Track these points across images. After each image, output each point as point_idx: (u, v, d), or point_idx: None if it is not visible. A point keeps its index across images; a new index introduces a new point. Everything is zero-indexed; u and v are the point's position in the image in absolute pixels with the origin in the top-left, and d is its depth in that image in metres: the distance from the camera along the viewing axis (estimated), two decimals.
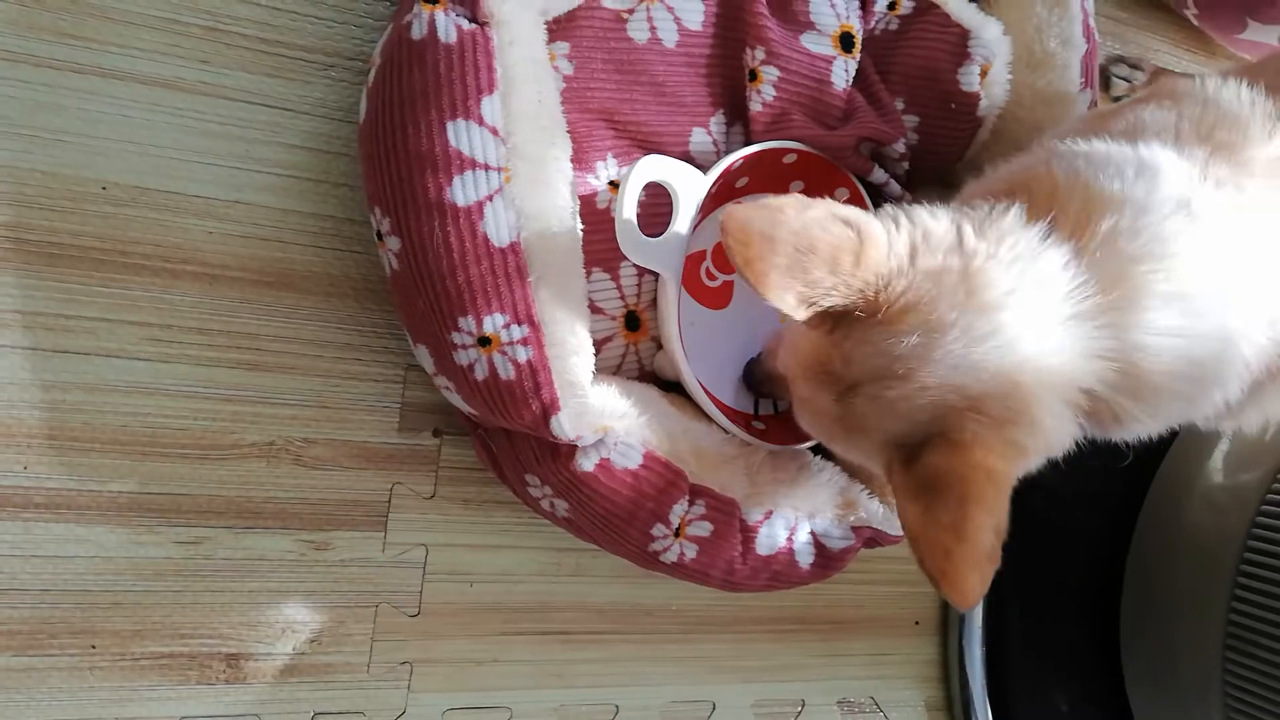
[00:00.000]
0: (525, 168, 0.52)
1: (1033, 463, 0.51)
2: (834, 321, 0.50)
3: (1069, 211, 0.50)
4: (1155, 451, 0.91)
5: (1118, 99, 0.92)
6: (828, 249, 0.46)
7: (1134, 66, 0.91)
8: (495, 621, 0.71)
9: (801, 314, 0.48)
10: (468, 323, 0.52)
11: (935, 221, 0.50)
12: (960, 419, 0.48)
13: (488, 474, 0.68)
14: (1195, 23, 0.93)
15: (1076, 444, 0.53)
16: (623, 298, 0.66)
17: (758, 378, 0.67)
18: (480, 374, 0.54)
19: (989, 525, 0.45)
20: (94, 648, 0.61)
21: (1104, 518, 0.91)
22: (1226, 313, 0.50)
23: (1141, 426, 0.53)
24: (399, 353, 0.68)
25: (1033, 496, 0.86)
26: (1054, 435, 0.50)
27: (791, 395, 0.57)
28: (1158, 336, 0.49)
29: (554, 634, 0.73)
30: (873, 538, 0.66)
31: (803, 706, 0.82)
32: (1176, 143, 0.53)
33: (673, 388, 0.67)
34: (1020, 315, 0.48)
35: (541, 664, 0.73)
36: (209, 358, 0.63)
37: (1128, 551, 0.92)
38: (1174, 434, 0.90)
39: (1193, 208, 0.49)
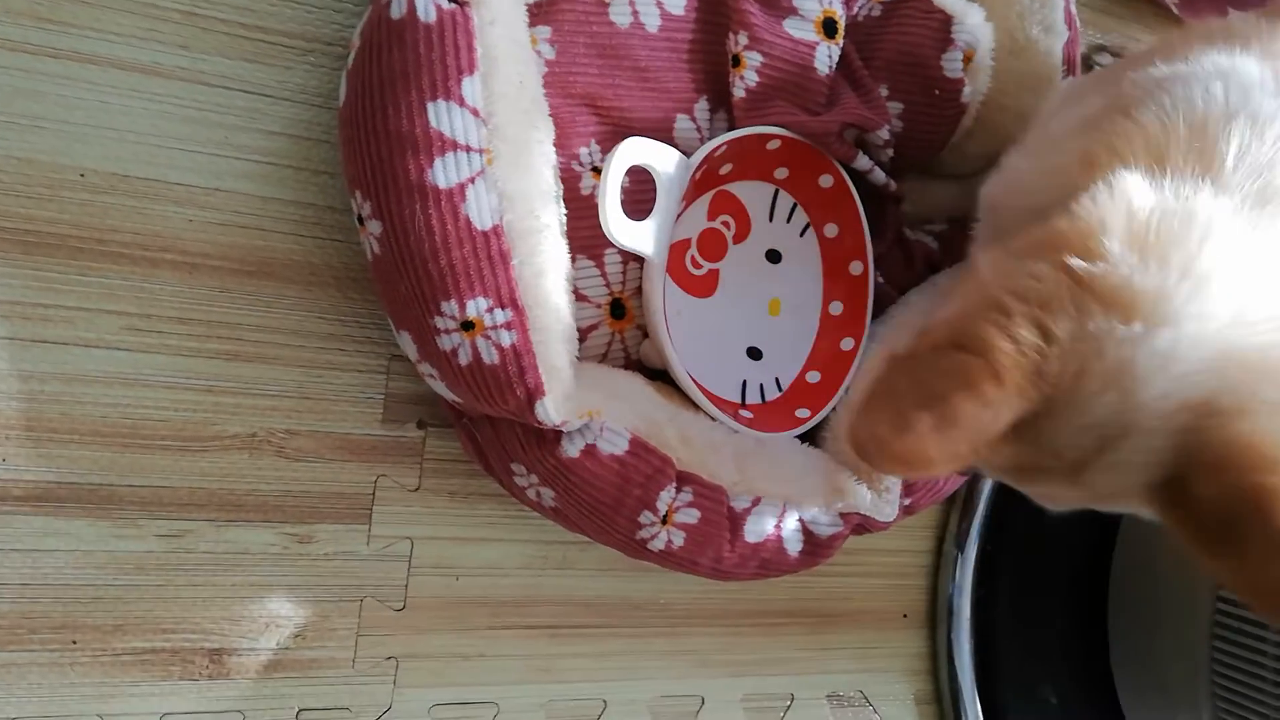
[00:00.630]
0: (507, 150, 0.52)
1: None
2: (1012, 432, 0.43)
3: (1187, 150, 0.44)
4: None
5: None
6: (964, 391, 0.40)
7: (1116, 55, 0.91)
8: (482, 615, 0.71)
9: (977, 460, 0.43)
10: (450, 307, 0.52)
11: (1040, 282, 0.42)
12: (1203, 436, 0.41)
13: (473, 466, 0.67)
14: (1177, 12, 0.93)
15: None
16: (608, 285, 0.66)
17: None
18: (464, 359, 0.53)
19: None
20: (74, 643, 0.60)
21: (1091, 510, 0.91)
22: None
23: None
24: (382, 343, 0.67)
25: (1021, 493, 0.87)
26: None
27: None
28: None
29: (541, 628, 0.73)
30: (861, 524, 0.66)
31: (792, 700, 0.81)
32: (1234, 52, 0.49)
33: (659, 376, 0.67)
34: (1193, 289, 0.41)
35: (528, 659, 0.72)
36: (189, 348, 0.62)
37: (1115, 544, 0.92)
38: None
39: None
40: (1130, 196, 0.43)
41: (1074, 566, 0.91)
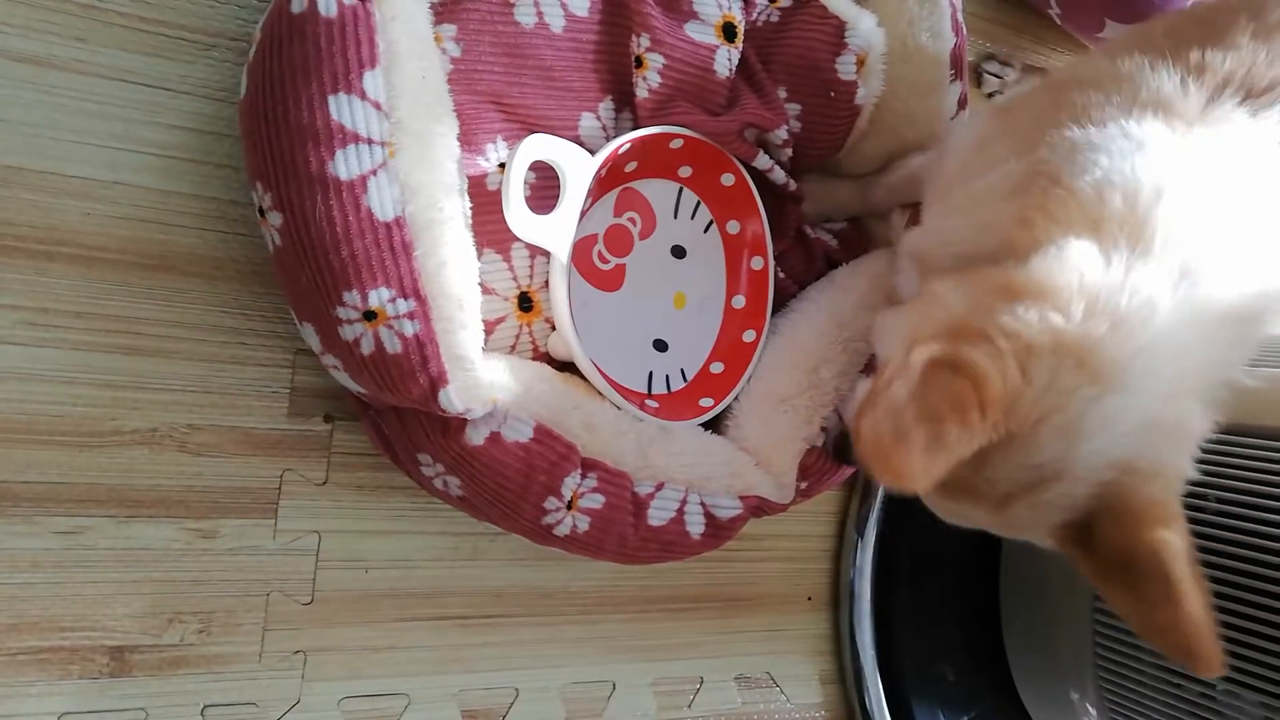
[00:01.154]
0: (410, 143, 0.53)
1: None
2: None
3: (1121, 223, 0.49)
4: None
5: (990, 95, 0.97)
6: (955, 415, 0.44)
7: (1004, 63, 0.96)
8: (391, 608, 0.71)
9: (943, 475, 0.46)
10: (352, 297, 0.53)
11: (1026, 325, 0.46)
12: (1122, 490, 0.48)
13: (381, 458, 0.68)
14: (1059, 22, 0.98)
15: None
16: (515, 279, 0.67)
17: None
18: (366, 348, 0.54)
19: (1191, 574, 0.45)
20: None
21: None
22: (1257, 244, 0.52)
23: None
24: (287, 337, 0.67)
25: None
26: (1203, 430, 0.50)
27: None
28: (1245, 287, 0.50)
29: (451, 619, 0.73)
30: (759, 506, 0.68)
31: (701, 684, 0.83)
32: (1133, 113, 0.53)
33: (568, 368, 0.68)
34: (1145, 364, 0.47)
35: (439, 649, 0.73)
36: (87, 342, 0.61)
37: None
38: None
39: (1187, 162, 0.51)
40: (1082, 267, 0.48)
41: (968, 549, 0.96)
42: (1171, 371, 0.48)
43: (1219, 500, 0.76)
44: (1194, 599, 0.45)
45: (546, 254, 0.67)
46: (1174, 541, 0.46)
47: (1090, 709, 0.86)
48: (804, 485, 0.70)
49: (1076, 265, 0.48)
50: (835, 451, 0.73)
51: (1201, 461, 0.78)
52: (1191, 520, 0.74)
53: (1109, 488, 0.48)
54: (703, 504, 0.66)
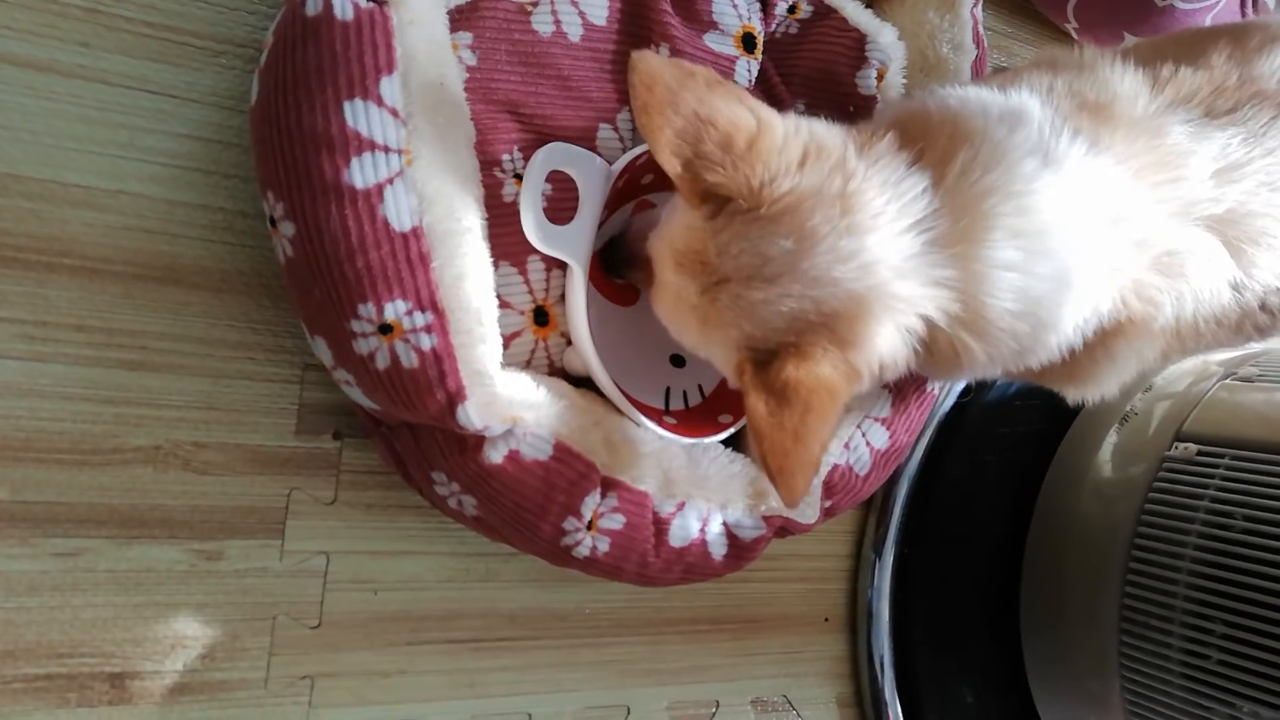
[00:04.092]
0: (427, 151, 0.51)
1: (864, 386, 0.53)
2: (716, 208, 0.51)
3: (936, 143, 0.53)
4: (1048, 446, 0.94)
5: None
6: (726, 124, 0.48)
7: None
8: (402, 631, 0.69)
9: (685, 184, 0.49)
10: (367, 310, 0.51)
11: (828, 136, 0.53)
12: (814, 334, 0.50)
13: (392, 476, 0.66)
14: (1076, 37, 0.97)
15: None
16: (530, 292, 0.65)
17: (620, 257, 0.65)
18: (382, 363, 0.52)
19: (821, 438, 0.49)
20: None
21: (1001, 513, 0.94)
22: (1068, 256, 0.52)
23: (981, 365, 0.55)
24: (296, 352, 0.65)
25: (934, 494, 0.88)
26: (888, 359, 0.52)
27: (654, 281, 0.57)
28: (997, 269, 0.51)
29: (464, 642, 0.71)
30: (784, 526, 0.67)
31: (717, 707, 0.81)
32: (1047, 96, 0.56)
33: (584, 384, 0.67)
34: (882, 239, 0.50)
35: (451, 674, 0.70)
36: (88, 357, 0.59)
37: (1025, 546, 0.94)
38: (1064, 429, 0.94)
39: (1050, 153, 0.52)
40: (880, 144, 0.53)
41: (987, 568, 0.94)
42: (885, 278, 0.50)
43: (1245, 519, 0.75)
44: (818, 442, 0.49)
45: (562, 267, 0.65)
46: (827, 410, 0.49)
47: None
48: (829, 504, 0.68)
49: (885, 140, 0.53)
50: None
51: (1228, 480, 0.77)
52: (1218, 539, 0.75)
53: (807, 327, 0.50)
54: (725, 524, 0.64)
